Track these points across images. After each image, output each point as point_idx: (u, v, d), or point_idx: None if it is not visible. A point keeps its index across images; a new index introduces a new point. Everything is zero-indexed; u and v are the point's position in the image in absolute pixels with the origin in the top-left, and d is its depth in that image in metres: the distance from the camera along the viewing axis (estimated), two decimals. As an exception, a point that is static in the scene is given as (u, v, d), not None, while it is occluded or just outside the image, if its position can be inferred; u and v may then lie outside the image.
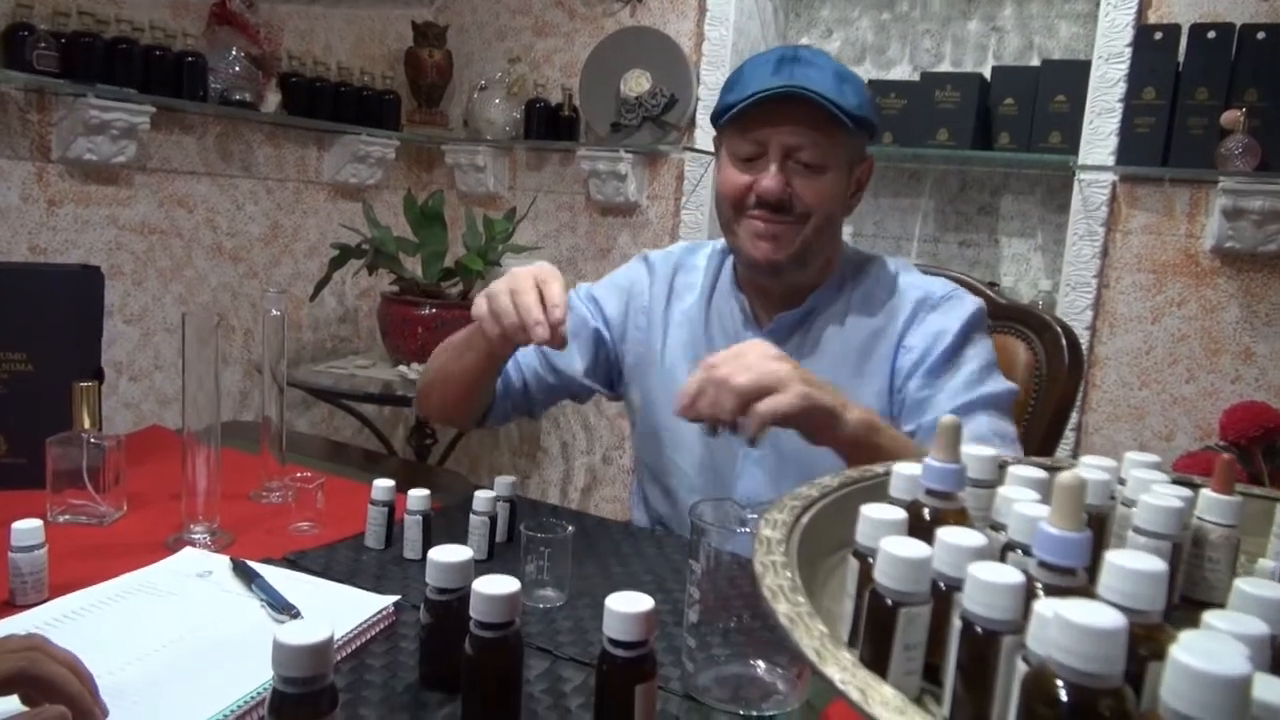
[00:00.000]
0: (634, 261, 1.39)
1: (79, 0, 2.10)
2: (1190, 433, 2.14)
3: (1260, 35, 1.94)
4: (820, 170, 1.15)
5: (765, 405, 0.92)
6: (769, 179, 1.14)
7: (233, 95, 2.34)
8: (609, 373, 1.36)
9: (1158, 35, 2.05)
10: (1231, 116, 1.93)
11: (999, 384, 1.18)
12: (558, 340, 1.02)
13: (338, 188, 2.85)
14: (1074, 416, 2.22)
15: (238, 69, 2.35)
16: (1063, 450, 2.06)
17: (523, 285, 1.03)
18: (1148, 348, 2.18)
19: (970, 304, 1.22)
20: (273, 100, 2.49)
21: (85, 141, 2.11)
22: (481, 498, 1.04)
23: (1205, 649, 0.32)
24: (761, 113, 1.14)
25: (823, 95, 1.11)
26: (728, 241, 1.26)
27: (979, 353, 1.19)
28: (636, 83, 2.67)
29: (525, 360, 1.30)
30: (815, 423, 0.96)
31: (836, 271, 1.26)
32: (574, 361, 1.31)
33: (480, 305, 1.07)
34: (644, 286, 1.34)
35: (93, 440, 1.07)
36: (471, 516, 1.03)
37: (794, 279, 1.22)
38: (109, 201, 2.25)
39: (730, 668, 0.79)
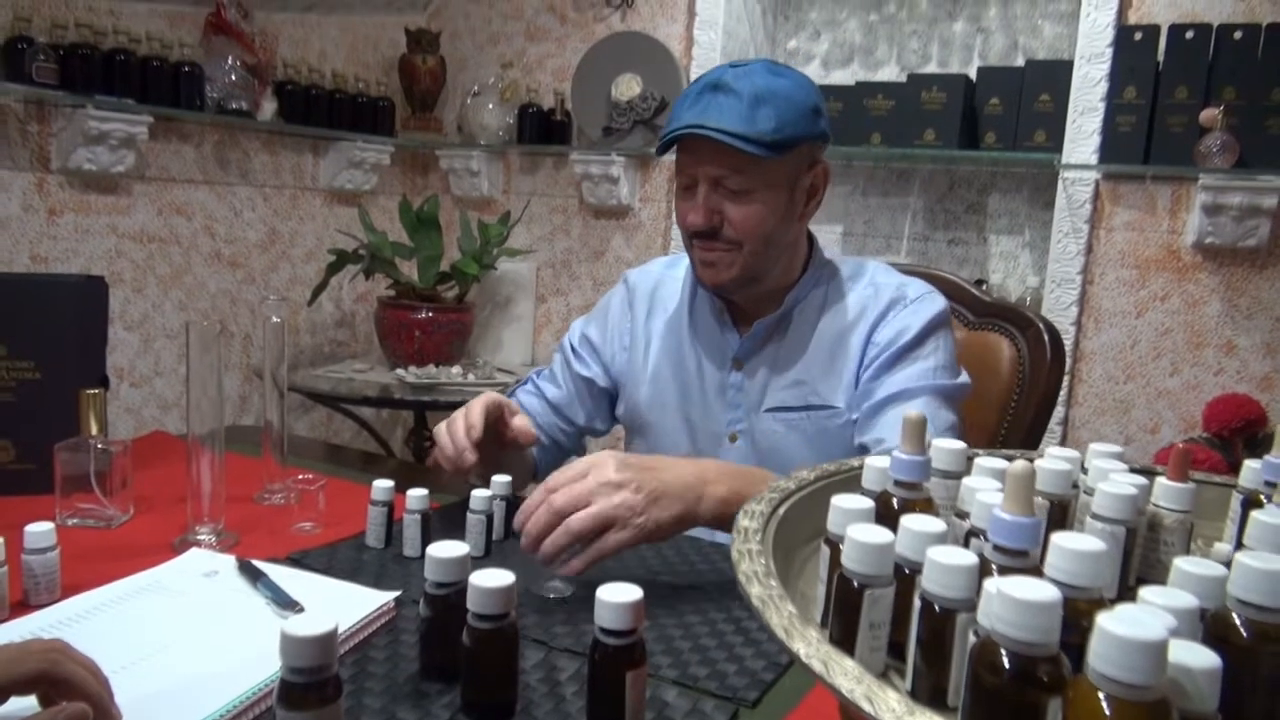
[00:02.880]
0: (618, 284, 1.45)
1: (77, 12, 2.14)
2: (1175, 425, 2.18)
3: (1237, 35, 1.98)
4: (747, 195, 1.16)
5: (601, 544, 0.92)
6: (694, 211, 1.18)
7: (229, 104, 2.38)
8: (613, 403, 1.42)
9: (1138, 35, 2.09)
10: (1210, 115, 1.97)
11: (949, 378, 1.21)
12: (466, 467, 1.11)
13: (334, 194, 2.88)
14: (1061, 410, 2.25)
15: (234, 78, 2.38)
16: (1050, 443, 2.09)
17: (451, 424, 1.13)
18: (1132, 342, 2.21)
19: (938, 304, 1.25)
20: (269, 108, 2.52)
21: (85, 152, 2.14)
22: (479, 496, 1.07)
23: (1130, 618, 0.36)
24: (683, 146, 1.17)
25: (724, 131, 1.10)
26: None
27: (936, 349, 1.22)
28: (628, 87, 2.70)
29: (545, 421, 1.40)
30: (662, 537, 0.96)
31: (812, 272, 1.28)
32: (577, 416, 1.42)
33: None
34: (624, 305, 1.40)
35: (100, 446, 1.11)
36: (469, 515, 1.06)
37: (751, 293, 1.26)
38: (109, 210, 2.29)
39: None
